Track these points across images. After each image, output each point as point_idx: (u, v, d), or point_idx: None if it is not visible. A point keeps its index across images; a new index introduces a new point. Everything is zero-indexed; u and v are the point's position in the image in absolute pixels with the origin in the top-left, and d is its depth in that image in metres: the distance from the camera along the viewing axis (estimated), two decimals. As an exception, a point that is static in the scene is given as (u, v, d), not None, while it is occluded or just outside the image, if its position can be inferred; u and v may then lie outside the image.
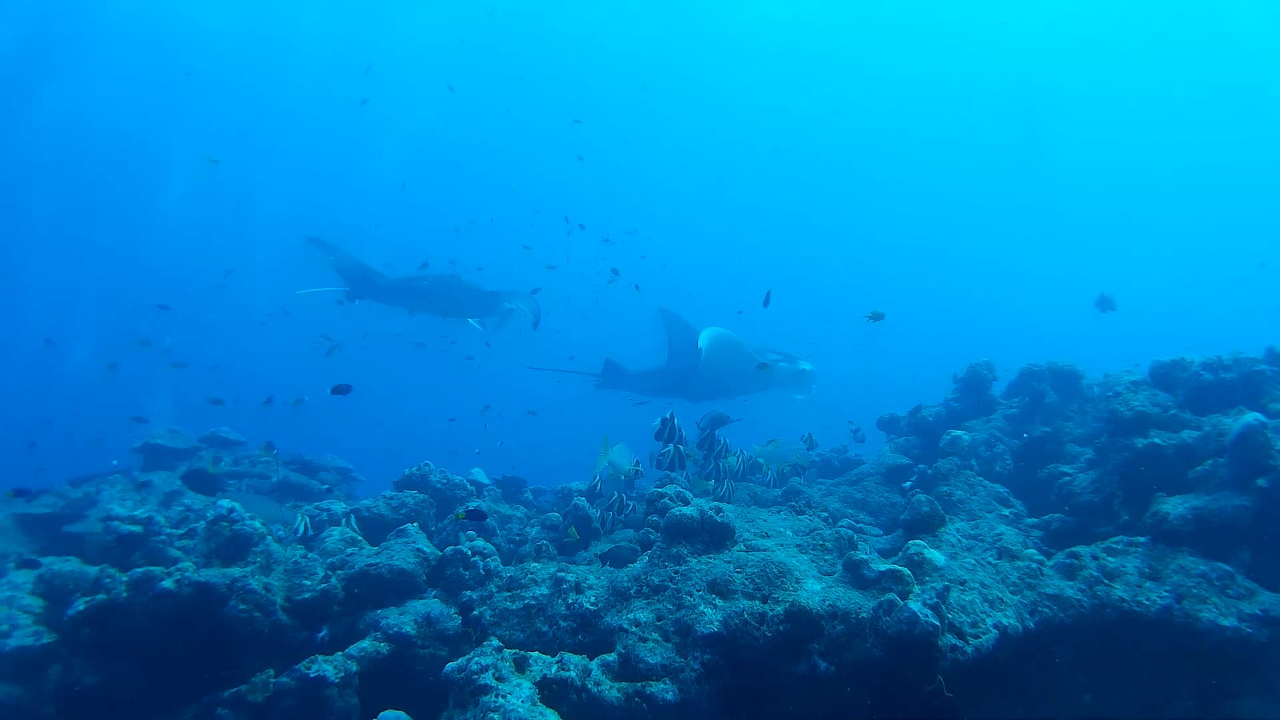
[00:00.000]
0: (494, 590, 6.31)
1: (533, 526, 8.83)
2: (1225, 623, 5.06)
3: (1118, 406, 7.05)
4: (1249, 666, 5.12)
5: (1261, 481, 5.61)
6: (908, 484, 8.50)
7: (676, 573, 5.50)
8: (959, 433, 8.12)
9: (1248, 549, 5.62)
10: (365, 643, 5.76)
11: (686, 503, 6.16)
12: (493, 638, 5.19)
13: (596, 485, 9.09)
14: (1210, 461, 6.22)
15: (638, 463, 8.35)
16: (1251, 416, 5.83)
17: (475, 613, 6.08)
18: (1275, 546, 5.65)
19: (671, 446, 7.63)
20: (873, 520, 8.13)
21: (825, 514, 7.49)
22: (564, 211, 23.21)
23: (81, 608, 5.71)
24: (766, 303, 10.35)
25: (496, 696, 4.42)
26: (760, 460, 8.83)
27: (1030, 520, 7.14)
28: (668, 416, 7.68)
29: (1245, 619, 5.07)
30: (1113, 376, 8.66)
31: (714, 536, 5.79)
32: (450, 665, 4.73)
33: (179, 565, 5.93)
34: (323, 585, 6.25)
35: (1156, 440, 6.70)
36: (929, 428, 9.12)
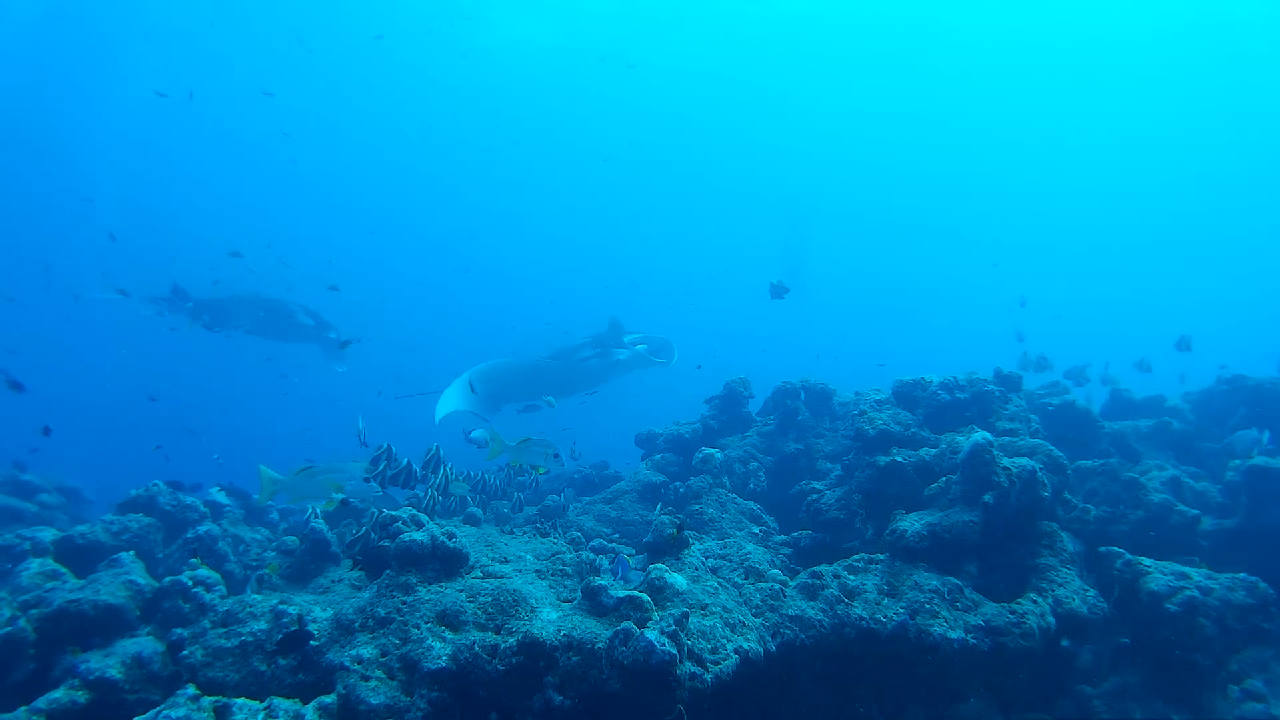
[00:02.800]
0: (208, 626, 5.61)
1: (270, 551, 8.09)
2: (953, 635, 5.18)
3: (862, 425, 7.21)
4: (974, 673, 5.32)
5: (988, 497, 5.83)
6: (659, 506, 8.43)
7: (404, 603, 5.05)
8: (711, 450, 8.11)
9: (975, 561, 5.83)
10: (59, 693, 4.98)
11: (420, 527, 5.71)
12: (189, 685, 4.55)
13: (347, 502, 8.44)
14: (944, 479, 6.43)
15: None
16: (980, 435, 6.05)
17: (185, 652, 5.38)
18: (999, 558, 5.91)
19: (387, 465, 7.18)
20: (627, 539, 7.96)
21: (578, 533, 7.25)
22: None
23: None
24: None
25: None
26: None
27: (780, 538, 7.17)
28: (384, 446, 7.25)
29: (971, 630, 5.22)
30: (861, 394, 8.94)
31: (446, 563, 5.38)
32: (137, 720, 4.08)
33: None
34: (6, 629, 5.39)
35: (898, 458, 6.89)
36: (685, 444, 9.09)
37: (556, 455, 6.82)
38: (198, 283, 15.30)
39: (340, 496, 6.07)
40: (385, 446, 7.28)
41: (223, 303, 15.41)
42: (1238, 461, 7.28)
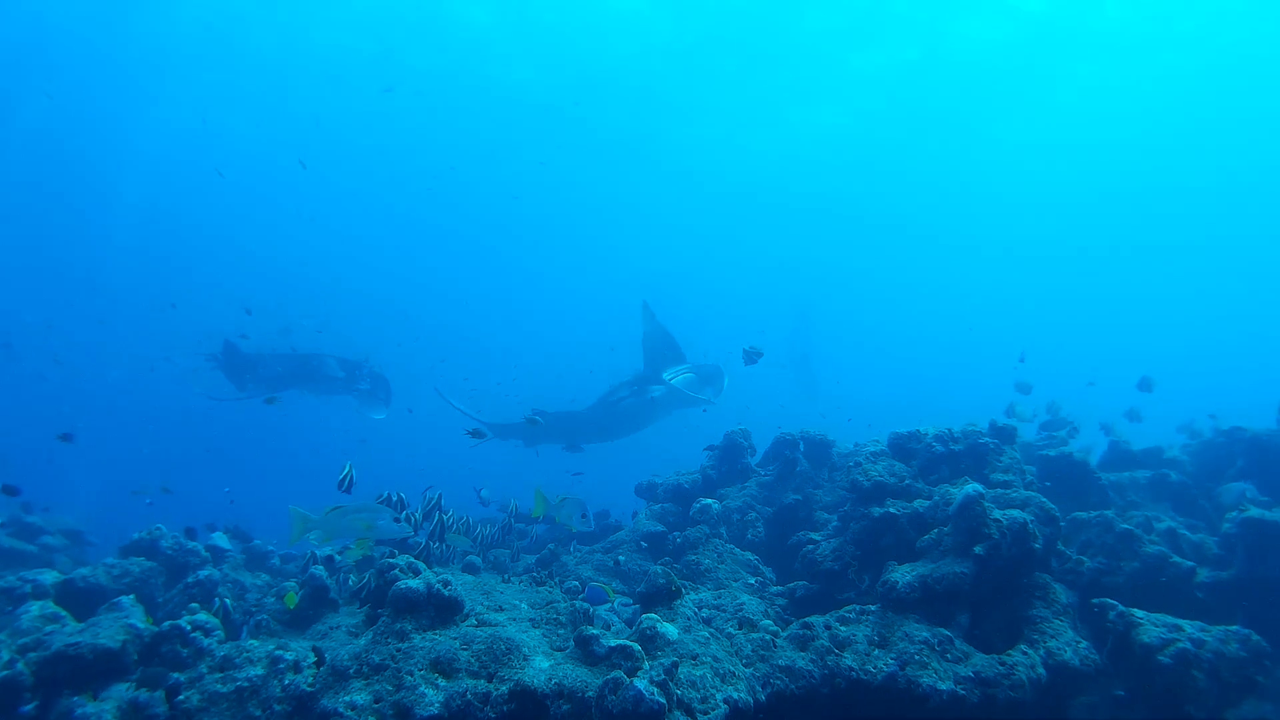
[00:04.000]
0: (205, 671, 5.68)
1: (271, 596, 8.17)
2: (943, 686, 5.20)
3: (857, 476, 7.29)
4: (962, 723, 5.32)
5: (979, 549, 5.88)
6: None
7: (399, 650, 5.13)
8: (709, 501, 8.18)
9: (967, 612, 5.88)
10: (56, 737, 5.04)
11: (417, 574, 5.80)
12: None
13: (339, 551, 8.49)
14: (936, 530, 6.49)
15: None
16: (971, 487, 6.12)
17: (181, 697, 5.44)
18: (991, 609, 5.95)
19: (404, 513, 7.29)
20: (625, 589, 8.00)
21: (576, 582, 7.31)
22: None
23: None
24: None
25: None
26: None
27: (776, 588, 7.22)
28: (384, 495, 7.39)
29: (960, 681, 5.24)
30: (860, 445, 9.01)
31: (441, 611, 5.46)
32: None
33: None
34: (5, 672, 5.46)
35: (892, 509, 6.95)
36: (685, 494, 9.16)
37: (585, 515, 6.93)
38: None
39: (373, 538, 6.20)
40: (390, 495, 7.40)
41: (255, 359, 15.71)
42: (1234, 513, 7.29)
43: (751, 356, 10.01)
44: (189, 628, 6.17)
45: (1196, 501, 8.65)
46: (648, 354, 15.82)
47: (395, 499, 7.66)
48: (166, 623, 6.21)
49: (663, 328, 15.85)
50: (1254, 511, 6.95)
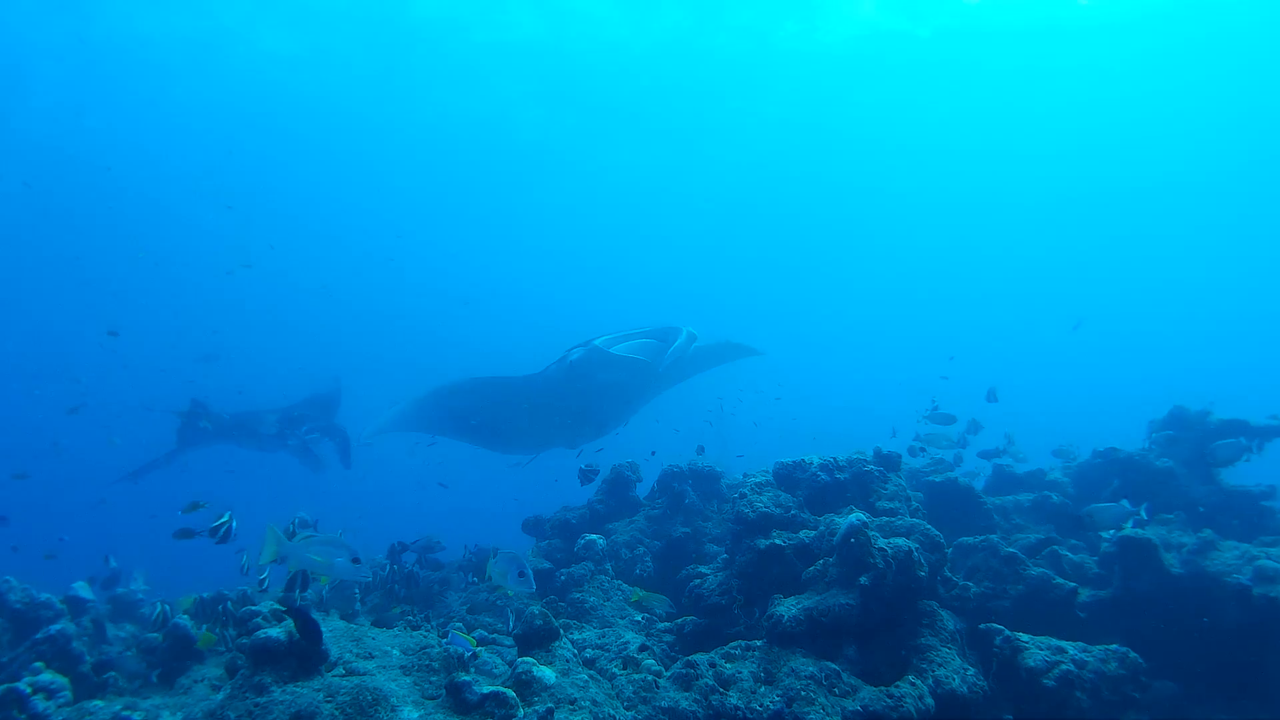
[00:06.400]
0: (40, 743, 5.18)
1: (133, 650, 7.62)
2: (830, 723, 5.05)
3: (743, 508, 7.15)
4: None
5: (864, 579, 5.78)
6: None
7: (257, 705, 4.73)
8: (594, 536, 7.96)
9: (854, 644, 5.76)
10: None
11: (280, 621, 5.40)
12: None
13: (262, 584, 7.76)
14: (822, 561, 6.38)
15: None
16: (855, 516, 6.03)
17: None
18: (878, 640, 5.84)
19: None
20: (508, 629, 7.68)
21: (459, 624, 6.97)
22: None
23: None
24: None
25: None
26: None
27: (663, 625, 7.00)
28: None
29: (848, 716, 5.10)
30: (749, 475, 8.90)
31: (305, 660, 5.07)
32: None
33: None
34: None
35: (778, 540, 6.82)
36: (572, 530, 8.92)
37: (522, 574, 6.54)
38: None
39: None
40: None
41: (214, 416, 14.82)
42: (1112, 532, 7.42)
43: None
44: (28, 691, 5.65)
45: (1081, 523, 8.80)
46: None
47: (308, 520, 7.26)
48: (3, 686, 5.66)
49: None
50: (1129, 530, 7.07)
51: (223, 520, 6.99)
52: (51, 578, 8.71)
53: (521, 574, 6.09)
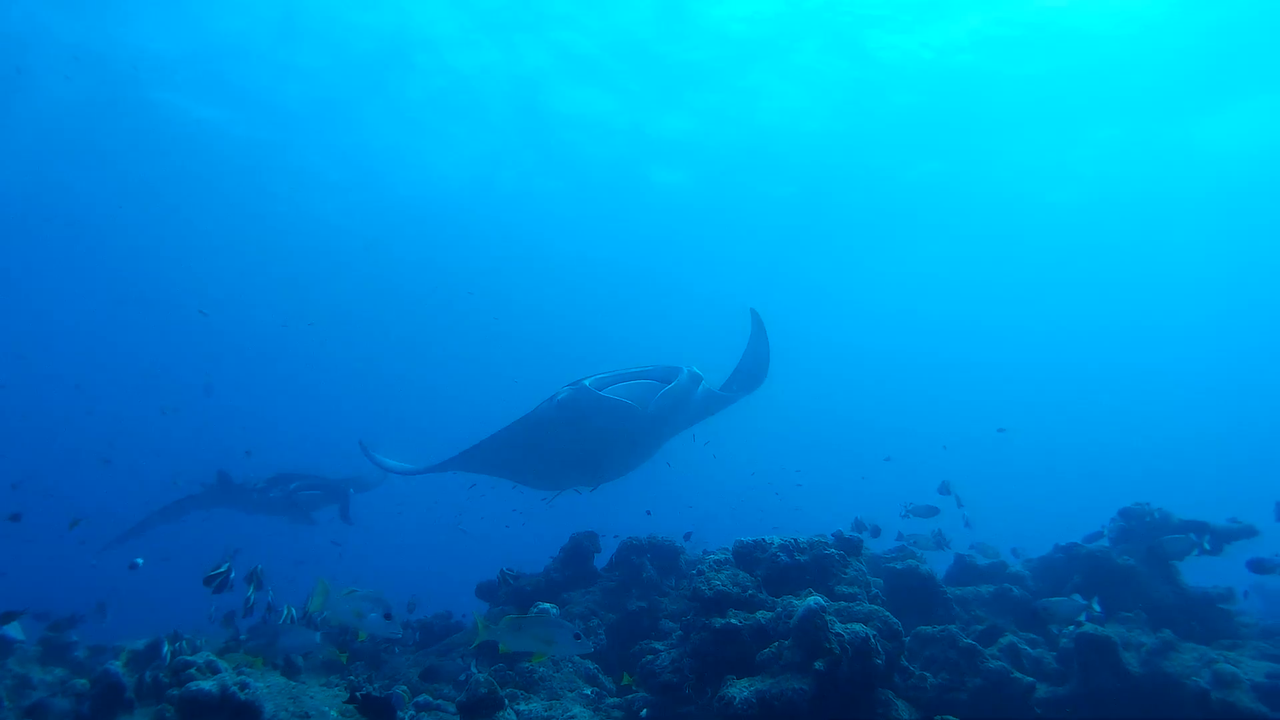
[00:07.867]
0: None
1: (60, 696, 7.27)
2: (778, 815, 4.90)
3: (700, 585, 7.03)
4: None
5: (819, 664, 5.66)
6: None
7: (179, 768, 4.52)
8: (547, 605, 7.77)
9: (806, 731, 5.61)
10: None
11: (215, 673, 5.20)
12: None
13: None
14: (777, 644, 6.25)
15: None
16: (813, 600, 5.94)
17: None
18: (830, 728, 5.69)
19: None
20: (454, 695, 7.46)
21: (404, 688, 6.75)
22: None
23: None
24: None
25: None
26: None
27: (613, 700, 6.82)
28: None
29: (797, 809, 4.95)
30: (709, 553, 8.80)
31: (236, 717, 4.87)
32: None
33: None
34: None
35: (734, 620, 6.69)
36: (526, 597, 8.74)
37: (389, 615, 6.40)
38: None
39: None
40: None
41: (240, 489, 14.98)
42: (1071, 628, 7.37)
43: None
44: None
45: (1037, 616, 8.74)
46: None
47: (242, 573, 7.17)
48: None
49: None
50: (1089, 627, 7.02)
51: (220, 570, 6.83)
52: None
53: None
